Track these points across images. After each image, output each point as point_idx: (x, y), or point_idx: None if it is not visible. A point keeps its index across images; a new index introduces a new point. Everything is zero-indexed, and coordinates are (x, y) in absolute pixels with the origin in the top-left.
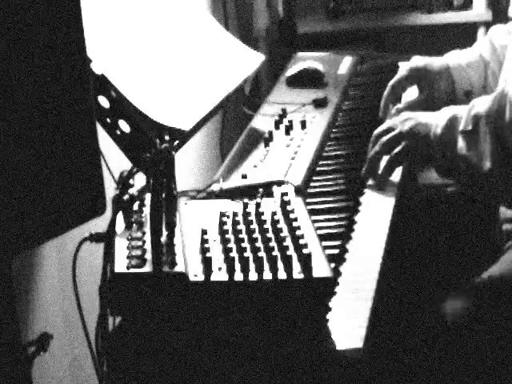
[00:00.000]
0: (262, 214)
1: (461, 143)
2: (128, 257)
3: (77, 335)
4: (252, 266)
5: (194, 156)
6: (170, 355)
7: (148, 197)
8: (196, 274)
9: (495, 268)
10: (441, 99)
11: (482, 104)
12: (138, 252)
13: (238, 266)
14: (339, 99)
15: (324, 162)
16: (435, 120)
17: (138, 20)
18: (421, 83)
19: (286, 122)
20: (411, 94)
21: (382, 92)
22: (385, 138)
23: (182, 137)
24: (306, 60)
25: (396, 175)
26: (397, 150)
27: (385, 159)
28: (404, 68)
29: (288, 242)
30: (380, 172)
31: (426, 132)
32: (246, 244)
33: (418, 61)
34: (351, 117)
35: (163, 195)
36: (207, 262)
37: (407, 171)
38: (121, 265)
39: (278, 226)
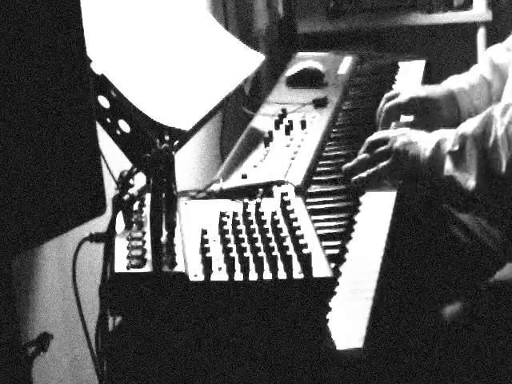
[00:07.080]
0: (262, 214)
1: (448, 163)
2: (128, 257)
3: (77, 335)
4: (252, 266)
5: (194, 156)
6: (170, 355)
7: (148, 197)
8: (196, 274)
9: (504, 272)
10: (445, 126)
11: (469, 124)
12: (138, 252)
13: (238, 265)
14: (339, 99)
15: (324, 162)
16: (425, 142)
17: (137, 20)
18: (424, 113)
19: (286, 122)
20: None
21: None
22: (376, 150)
23: (182, 137)
24: (306, 60)
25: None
26: (383, 164)
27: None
28: (404, 95)
29: (288, 242)
30: (361, 175)
31: (415, 153)
32: (246, 244)
33: (418, 90)
34: (351, 117)
35: (163, 195)
36: (207, 262)
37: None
38: (121, 265)
39: (278, 226)
